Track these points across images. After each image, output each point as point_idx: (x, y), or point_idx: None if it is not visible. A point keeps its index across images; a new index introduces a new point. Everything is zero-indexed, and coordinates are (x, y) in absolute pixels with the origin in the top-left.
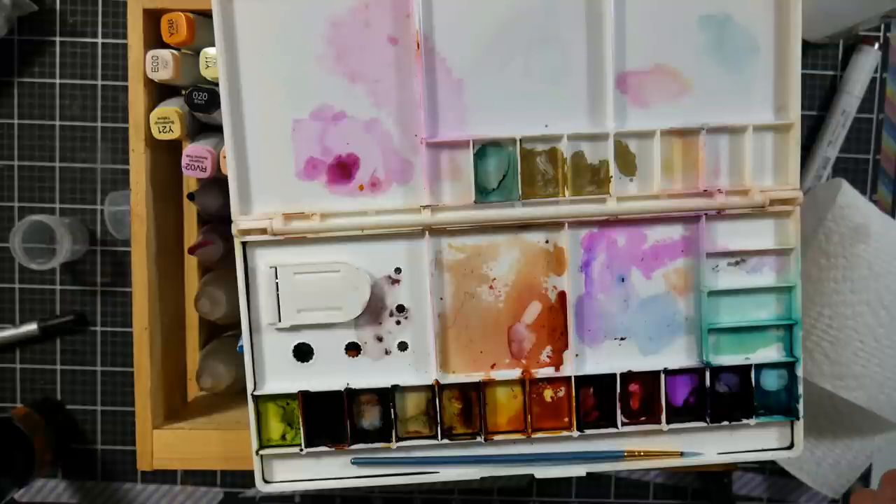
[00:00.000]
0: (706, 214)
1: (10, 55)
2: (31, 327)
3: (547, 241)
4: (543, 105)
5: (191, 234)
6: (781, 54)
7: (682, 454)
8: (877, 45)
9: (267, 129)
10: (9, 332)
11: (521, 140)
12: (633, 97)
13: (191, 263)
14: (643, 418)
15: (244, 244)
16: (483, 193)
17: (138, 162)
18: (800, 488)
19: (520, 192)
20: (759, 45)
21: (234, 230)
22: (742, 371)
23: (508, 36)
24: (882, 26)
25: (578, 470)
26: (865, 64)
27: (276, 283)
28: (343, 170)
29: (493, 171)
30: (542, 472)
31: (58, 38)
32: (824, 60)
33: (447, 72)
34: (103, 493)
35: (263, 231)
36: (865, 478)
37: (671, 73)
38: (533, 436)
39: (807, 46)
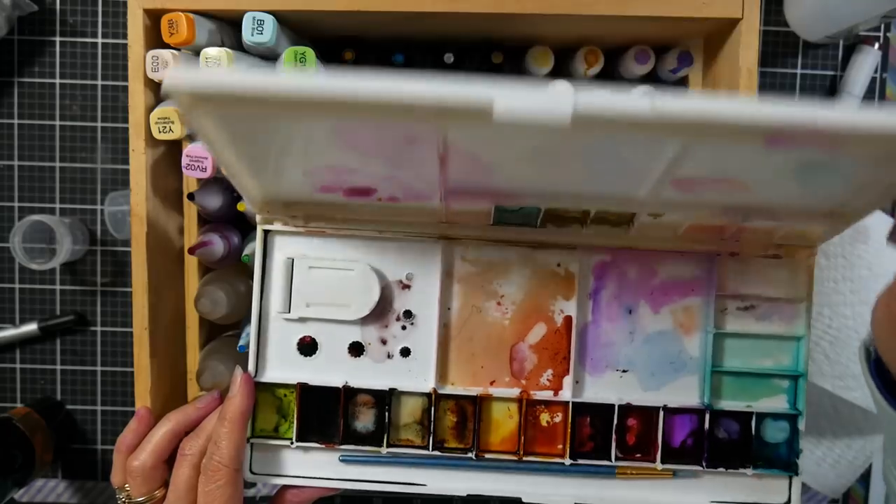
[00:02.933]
0: (720, 255)
1: (10, 55)
2: (31, 327)
3: (559, 265)
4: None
5: (191, 234)
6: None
7: (674, 474)
8: (877, 45)
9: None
10: (9, 332)
11: (546, 209)
12: (678, 185)
13: (191, 263)
14: (638, 455)
15: (266, 232)
16: (502, 214)
17: (138, 162)
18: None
19: (538, 222)
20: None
21: (257, 218)
22: (743, 418)
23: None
24: (882, 26)
25: (566, 499)
26: (865, 64)
27: (291, 274)
28: (360, 192)
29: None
30: (529, 495)
31: (58, 38)
32: (824, 60)
33: (475, 158)
34: (103, 493)
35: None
36: (865, 478)
37: (732, 183)
38: (525, 458)
39: (807, 46)
